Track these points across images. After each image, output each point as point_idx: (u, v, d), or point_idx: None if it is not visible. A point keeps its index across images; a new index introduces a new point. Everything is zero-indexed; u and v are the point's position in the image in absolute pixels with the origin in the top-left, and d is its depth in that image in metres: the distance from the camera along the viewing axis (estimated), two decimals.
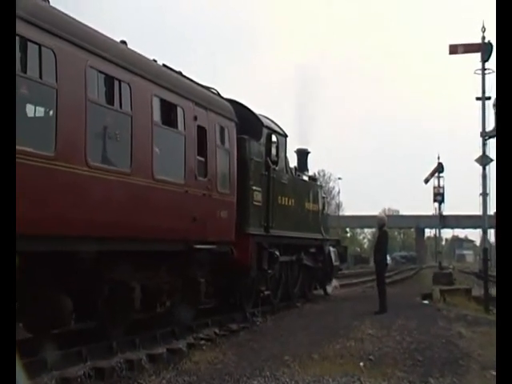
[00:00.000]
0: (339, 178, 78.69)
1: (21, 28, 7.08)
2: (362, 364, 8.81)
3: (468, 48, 22.04)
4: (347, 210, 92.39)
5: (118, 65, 9.05)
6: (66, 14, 8.32)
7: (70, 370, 7.81)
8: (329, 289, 20.43)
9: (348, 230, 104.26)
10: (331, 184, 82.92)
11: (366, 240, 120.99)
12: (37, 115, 8.14)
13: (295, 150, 19.42)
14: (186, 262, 11.28)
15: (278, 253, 14.97)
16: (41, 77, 7.50)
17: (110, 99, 8.96)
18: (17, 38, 7.09)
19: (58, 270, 8.30)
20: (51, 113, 7.85)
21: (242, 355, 9.48)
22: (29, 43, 7.30)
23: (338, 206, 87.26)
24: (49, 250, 7.78)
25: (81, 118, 8.13)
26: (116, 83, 9.05)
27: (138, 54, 10.04)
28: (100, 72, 8.71)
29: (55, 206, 7.70)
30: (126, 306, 9.73)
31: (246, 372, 8.18)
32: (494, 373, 7.87)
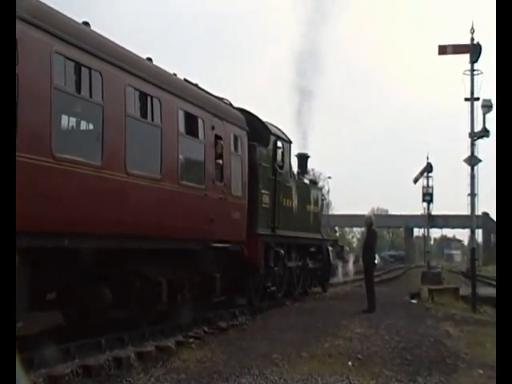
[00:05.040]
0: (329, 177, 79.65)
1: (76, 54, 8.19)
2: (350, 363, 8.79)
3: (457, 49, 22.35)
4: (336, 209, 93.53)
5: (150, 82, 10.12)
6: (107, 38, 9.38)
7: (57, 368, 7.76)
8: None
9: (337, 228, 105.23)
10: (321, 183, 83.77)
11: (354, 239, 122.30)
12: (87, 129, 9.20)
13: (296, 154, 20.48)
14: (203, 260, 12.32)
15: (282, 251, 16.08)
16: (91, 96, 8.58)
17: (144, 113, 10.04)
18: (72, 63, 8.22)
19: (98, 265, 9.30)
20: (99, 127, 8.89)
21: (231, 353, 9.44)
22: (82, 67, 8.37)
23: (328, 204, 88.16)
24: (92, 247, 8.79)
25: (121, 131, 9.20)
26: (149, 99, 10.12)
27: (166, 72, 11.11)
28: (136, 89, 9.78)
29: (102, 208, 8.77)
30: (154, 298, 10.75)
31: (235, 370, 8.14)
32: (481, 371, 8.31)
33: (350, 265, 21.33)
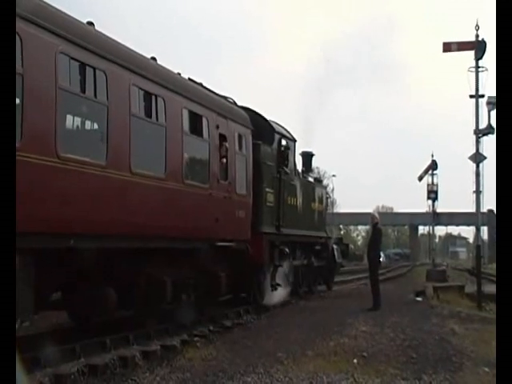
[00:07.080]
0: (333, 176, 79.54)
1: (81, 54, 8.21)
2: (355, 361, 8.82)
3: (462, 46, 22.10)
4: (341, 207, 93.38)
5: (154, 82, 10.12)
6: (111, 38, 9.38)
7: (63, 367, 7.80)
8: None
9: (342, 227, 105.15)
10: (325, 181, 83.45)
11: (359, 237, 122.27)
12: (92, 129, 9.22)
13: (300, 152, 20.44)
14: (208, 258, 12.33)
15: (287, 250, 16.08)
16: (95, 96, 8.59)
17: (148, 113, 10.03)
18: (77, 63, 8.23)
19: (103, 265, 9.33)
20: (103, 127, 8.89)
21: (236, 352, 9.48)
22: (87, 67, 8.38)
23: (332, 203, 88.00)
24: (97, 247, 8.80)
25: (126, 131, 9.20)
26: (153, 98, 10.12)
27: (170, 71, 11.11)
28: (140, 89, 9.78)
29: (106, 208, 8.77)
30: (158, 298, 10.75)
31: (240, 369, 8.16)
32: (487, 369, 8.24)
33: None
